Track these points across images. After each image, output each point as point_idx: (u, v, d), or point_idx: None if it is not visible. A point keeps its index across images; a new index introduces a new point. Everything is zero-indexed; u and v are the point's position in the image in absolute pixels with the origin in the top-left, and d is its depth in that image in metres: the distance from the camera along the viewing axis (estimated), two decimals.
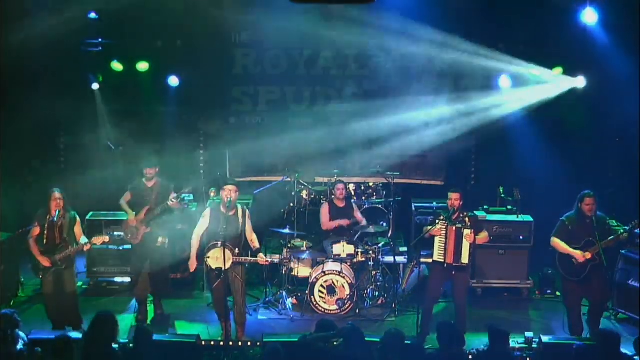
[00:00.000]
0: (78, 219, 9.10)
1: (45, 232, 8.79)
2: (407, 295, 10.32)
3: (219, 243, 8.65)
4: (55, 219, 8.78)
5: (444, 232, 8.97)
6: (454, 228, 8.95)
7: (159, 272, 9.57)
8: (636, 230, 9.05)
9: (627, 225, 8.84)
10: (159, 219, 9.48)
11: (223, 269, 8.66)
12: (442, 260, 9.01)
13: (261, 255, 8.96)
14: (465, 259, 8.96)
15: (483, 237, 9.12)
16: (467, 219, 9.00)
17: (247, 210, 9.05)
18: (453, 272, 9.05)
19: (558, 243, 8.90)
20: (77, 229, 9.05)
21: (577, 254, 8.72)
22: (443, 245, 9.00)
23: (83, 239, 9.02)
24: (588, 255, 8.68)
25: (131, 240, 9.54)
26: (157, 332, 8.36)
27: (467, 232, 8.91)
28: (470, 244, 8.94)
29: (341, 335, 6.92)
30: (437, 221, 9.04)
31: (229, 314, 8.95)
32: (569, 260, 8.82)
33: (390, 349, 6.73)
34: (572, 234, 8.83)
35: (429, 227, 9.10)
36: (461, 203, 9.02)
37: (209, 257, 8.78)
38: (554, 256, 9.09)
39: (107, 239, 9.04)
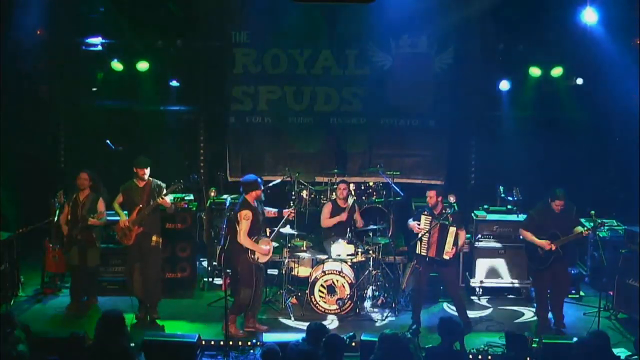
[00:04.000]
0: (102, 199, 9.90)
1: (71, 209, 9.76)
2: (407, 295, 10.32)
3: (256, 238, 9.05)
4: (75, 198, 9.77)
5: (427, 227, 9.25)
6: (438, 224, 9.23)
7: (152, 273, 9.49)
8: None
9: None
10: (151, 219, 9.45)
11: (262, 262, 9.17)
12: (425, 254, 9.31)
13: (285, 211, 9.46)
14: (447, 254, 9.22)
15: (461, 234, 9.38)
16: (449, 215, 9.26)
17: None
18: (435, 266, 9.37)
19: (525, 234, 9.43)
20: (100, 206, 9.84)
21: (543, 243, 9.19)
22: (427, 239, 9.28)
23: (103, 219, 9.85)
24: (553, 247, 9.11)
25: (124, 242, 9.54)
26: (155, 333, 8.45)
27: (452, 229, 9.20)
28: (455, 240, 9.20)
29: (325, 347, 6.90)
30: (422, 217, 9.38)
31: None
32: (535, 251, 9.30)
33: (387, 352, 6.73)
34: (539, 226, 9.32)
35: (414, 222, 9.44)
36: (439, 199, 9.37)
37: (259, 256, 9.10)
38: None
39: (104, 215, 9.86)
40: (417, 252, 9.41)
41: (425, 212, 9.39)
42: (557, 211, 9.18)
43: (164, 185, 9.55)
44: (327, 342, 6.82)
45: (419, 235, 9.34)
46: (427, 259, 9.32)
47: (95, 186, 9.91)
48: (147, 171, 9.47)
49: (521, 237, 10.57)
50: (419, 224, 9.39)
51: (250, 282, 9.05)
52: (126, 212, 9.58)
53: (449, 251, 9.22)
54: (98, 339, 6.69)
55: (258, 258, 9.09)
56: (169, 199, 9.53)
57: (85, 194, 9.78)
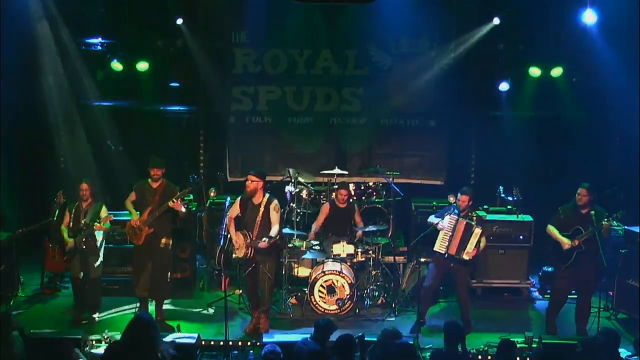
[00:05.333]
0: (105, 207, 9.69)
1: (72, 217, 9.58)
2: (407, 295, 10.32)
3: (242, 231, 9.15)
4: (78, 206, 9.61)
5: (452, 226, 9.21)
6: (465, 222, 9.22)
7: (160, 274, 9.48)
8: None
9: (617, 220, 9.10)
10: (161, 220, 9.39)
11: (241, 256, 9.13)
12: (443, 252, 9.26)
13: (264, 239, 9.02)
14: (467, 254, 9.18)
15: (483, 240, 9.32)
16: (474, 217, 9.30)
17: (274, 202, 9.19)
18: (452, 265, 9.30)
19: (550, 230, 9.27)
20: (102, 214, 9.58)
21: (563, 241, 9.06)
22: (448, 237, 9.24)
23: (108, 224, 9.62)
24: (575, 243, 8.97)
25: (134, 241, 9.50)
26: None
27: (477, 231, 9.17)
28: (477, 243, 9.17)
29: (335, 348, 6.89)
30: (446, 216, 9.35)
31: (257, 304, 9.39)
32: (559, 247, 9.14)
33: (386, 348, 6.73)
34: (563, 222, 9.19)
35: (437, 219, 9.38)
36: (470, 204, 9.34)
37: (233, 249, 9.19)
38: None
39: (111, 217, 9.62)
40: (434, 248, 9.36)
41: (451, 211, 9.37)
42: (581, 203, 9.04)
43: (177, 187, 9.45)
44: (340, 342, 6.80)
45: (440, 233, 9.29)
46: (446, 255, 9.27)
47: (96, 195, 9.72)
48: (160, 172, 9.35)
49: (522, 237, 10.67)
50: (442, 221, 9.34)
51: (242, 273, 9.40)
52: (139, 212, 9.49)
53: (469, 251, 9.19)
54: (127, 341, 6.57)
55: (236, 250, 9.19)
56: (181, 202, 9.36)
57: (88, 202, 9.61)
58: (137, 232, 9.40)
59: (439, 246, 9.32)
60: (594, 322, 9.14)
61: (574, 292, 9.64)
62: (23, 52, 11.08)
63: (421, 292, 9.57)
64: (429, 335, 9.27)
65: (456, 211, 9.36)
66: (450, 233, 9.27)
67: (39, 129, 12.24)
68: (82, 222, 9.52)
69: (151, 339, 6.29)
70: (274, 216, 9.15)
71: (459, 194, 9.41)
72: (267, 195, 9.23)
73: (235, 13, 12.15)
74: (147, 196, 9.41)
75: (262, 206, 9.14)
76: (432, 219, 9.56)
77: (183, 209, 9.42)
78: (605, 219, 8.93)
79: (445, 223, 9.32)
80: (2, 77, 10.66)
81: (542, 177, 12.29)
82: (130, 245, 9.83)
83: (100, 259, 9.72)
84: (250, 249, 9.10)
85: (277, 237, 9.17)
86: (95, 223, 9.47)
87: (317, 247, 10.38)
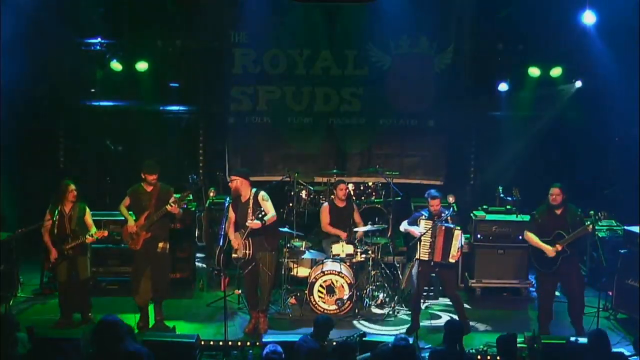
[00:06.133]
0: (88, 209, 9.46)
1: (56, 222, 9.28)
2: (407, 295, 10.32)
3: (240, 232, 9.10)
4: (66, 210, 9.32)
5: (430, 232, 9.11)
6: (444, 227, 9.10)
7: (159, 276, 9.37)
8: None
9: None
10: (158, 224, 9.27)
11: (241, 257, 9.09)
12: (428, 259, 9.15)
13: (255, 220, 8.93)
14: (452, 258, 9.12)
15: (463, 239, 9.28)
16: (448, 217, 9.21)
17: (261, 193, 9.14)
18: (437, 269, 9.24)
19: (530, 237, 9.16)
20: (88, 219, 9.44)
21: (547, 249, 8.94)
22: (429, 244, 9.13)
23: (93, 229, 9.38)
24: (558, 248, 8.86)
25: (131, 246, 9.37)
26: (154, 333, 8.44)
27: (457, 232, 9.09)
28: (460, 244, 9.10)
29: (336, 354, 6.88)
30: (421, 222, 9.23)
31: (255, 304, 9.34)
32: (541, 253, 9.04)
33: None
34: (542, 227, 9.08)
35: (412, 228, 9.27)
36: (441, 206, 9.28)
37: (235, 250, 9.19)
38: None
39: (105, 233, 9.46)
40: (417, 257, 9.23)
41: (424, 217, 9.25)
42: (555, 203, 8.93)
43: (172, 189, 9.38)
44: (339, 349, 6.79)
45: (420, 240, 9.16)
46: (432, 263, 9.16)
47: (78, 195, 9.45)
48: (156, 176, 9.24)
49: (521, 237, 10.63)
50: (419, 230, 9.19)
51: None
52: (131, 212, 9.41)
53: (454, 255, 9.09)
54: (99, 348, 6.55)
55: (236, 251, 9.19)
56: (177, 204, 9.28)
57: (70, 205, 9.35)
58: (134, 237, 9.26)
59: (422, 254, 9.17)
60: (593, 322, 9.12)
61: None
62: (23, 52, 11.07)
63: (411, 300, 9.59)
64: (428, 335, 9.27)
65: (427, 214, 9.26)
66: (431, 240, 9.12)
67: (39, 129, 12.25)
68: (67, 228, 9.29)
69: (118, 339, 6.30)
70: (265, 205, 9.06)
71: (428, 199, 9.25)
72: (254, 190, 9.17)
73: (235, 13, 12.16)
74: (143, 200, 9.28)
75: (251, 201, 9.10)
76: (404, 226, 9.45)
77: (178, 210, 9.37)
78: (588, 222, 8.90)
79: (422, 230, 9.17)
80: (2, 77, 10.66)
81: (541, 177, 12.28)
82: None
83: (89, 260, 9.67)
84: (247, 245, 9.05)
85: (270, 222, 9.02)
86: (87, 236, 9.26)
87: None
